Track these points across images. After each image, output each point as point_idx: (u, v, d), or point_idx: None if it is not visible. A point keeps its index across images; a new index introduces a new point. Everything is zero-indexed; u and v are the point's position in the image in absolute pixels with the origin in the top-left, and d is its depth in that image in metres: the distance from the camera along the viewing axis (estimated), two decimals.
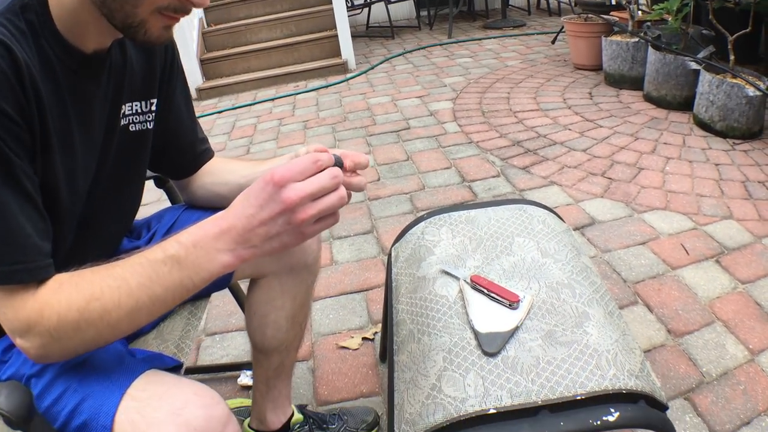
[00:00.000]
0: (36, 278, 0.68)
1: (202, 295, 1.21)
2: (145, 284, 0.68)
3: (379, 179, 2.87)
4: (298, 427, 1.40)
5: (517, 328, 0.95)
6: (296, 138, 3.65)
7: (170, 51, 1.03)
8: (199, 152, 1.13)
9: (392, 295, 1.20)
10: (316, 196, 0.67)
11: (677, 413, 1.42)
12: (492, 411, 0.83)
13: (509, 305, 0.99)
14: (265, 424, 1.36)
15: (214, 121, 4.33)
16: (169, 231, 1.13)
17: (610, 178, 2.65)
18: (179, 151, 1.11)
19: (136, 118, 0.95)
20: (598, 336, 0.94)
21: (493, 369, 0.89)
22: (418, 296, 1.10)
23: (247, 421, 1.40)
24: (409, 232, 1.33)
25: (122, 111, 0.92)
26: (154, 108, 0.99)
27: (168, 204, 1.34)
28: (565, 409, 0.84)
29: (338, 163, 0.77)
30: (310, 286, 1.29)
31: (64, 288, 0.69)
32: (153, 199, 2.32)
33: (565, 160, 2.87)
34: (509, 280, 1.08)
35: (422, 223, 1.32)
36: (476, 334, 0.95)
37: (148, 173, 1.18)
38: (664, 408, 0.89)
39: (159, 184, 1.32)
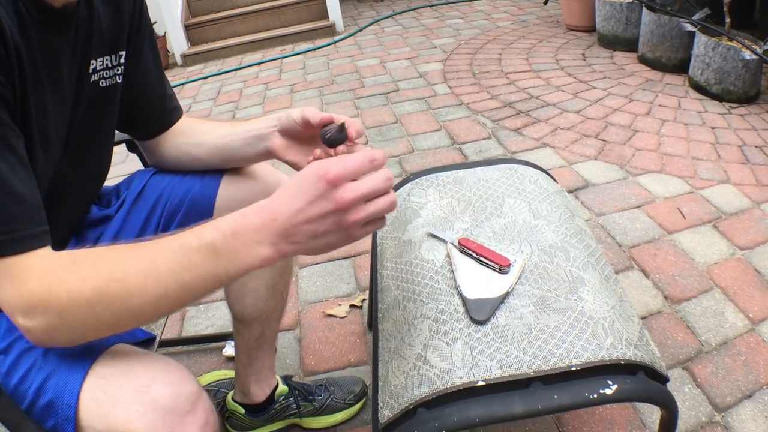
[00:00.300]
0: (32, 247, 0.62)
1: None
2: (175, 270, 0.62)
3: (367, 143, 2.79)
4: (283, 399, 1.35)
5: (507, 294, 0.89)
6: (283, 102, 3.55)
7: (138, 2, 0.96)
8: (168, 109, 1.06)
9: (377, 260, 1.14)
10: (369, 198, 0.63)
11: (675, 384, 1.38)
12: (481, 383, 0.77)
13: (499, 269, 0.93)
14: (248, 396, 1.32)
15: (200, 87, 4.21)
16: (139, 196, 1.06)
17: (604, 140, 2.58)
18: (148, 106, 1.03)
19: (105, 73, 0.90)
20: (593, 302, 0.88)
21: (482, 338, 0.83)
22: (403, 261, 1.03)
23: (231, 393, 1.36)
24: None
25: (92, 67, 0.87)
26: (122, 61, 0.93)
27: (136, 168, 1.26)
28: (559, 380, 0.78)
29: (339, 138, 0.77)
30: (283, 277, 1.23)
31: (78, 265, 0.62)
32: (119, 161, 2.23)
33: (558, 122, 2.80)
34: (499, 243, 1.01)
35: (408, 185, 1.25)
36: (464, 300, 0.89)
37: (121, 136, 1.12)
38: (664, 380, 0.83)
39: (131, 148, 1.24)
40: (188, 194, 1.05)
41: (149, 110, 1.04)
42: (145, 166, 1.28)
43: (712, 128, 2.62)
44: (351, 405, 1.40)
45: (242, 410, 1.34)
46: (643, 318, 1.57)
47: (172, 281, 0.62)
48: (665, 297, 1.64)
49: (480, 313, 0.86)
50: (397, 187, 1.27)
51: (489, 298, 0.88)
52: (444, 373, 0.80)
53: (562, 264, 0.96)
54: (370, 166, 0.63)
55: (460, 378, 0.78)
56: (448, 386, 0.78)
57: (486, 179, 1.20)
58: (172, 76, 4.58)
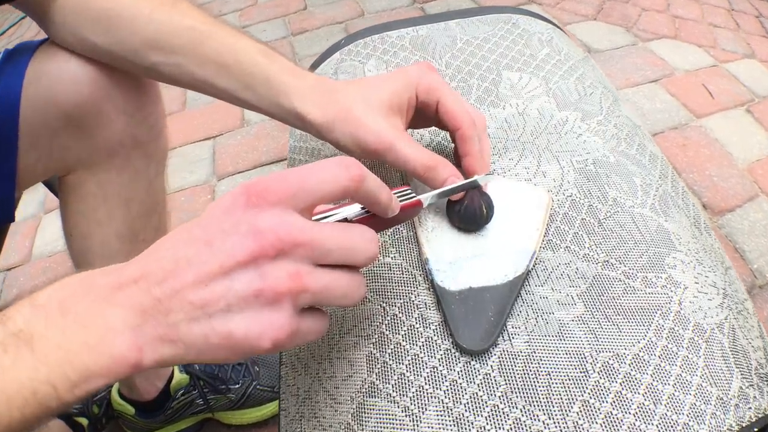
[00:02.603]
0: None
1: None
2: None
3: (305, 8, 2.20)
4: (183, 394, 0.92)
5: (524, 278, 0.42)
6: None
7: None
8: None
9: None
10: (331, 255, 0.33)
11: None
12: None
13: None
14: (136, 391, 0.93)
15: None
16: None
17: None
18: None
19: None
20: (694, 289, 0.43)
21: (480, 395, 0.37)
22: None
23: (116, 387, 0.97)
24: (316, 71, 0.75)
25: None
26: None
27: None
28: None
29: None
30: (154, 179, 0.75)
31: None
32: None
33: None
34: (501, 158, 0.53)
35: (336, 54, 0.74)
36: (440, 295, 0.42)
37: None
38: None
39: None
40: None
41: None
42: None
43: None
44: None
45: (132, 410, 0.95)
46: None
47: None
48: (704, 206, 1.20)
49: (471, 334, 0.39)
50: (318, 62, 0.76)
51: (487, 286, 0.42)
52: None
53: (623, 201, 0.49)
54: (345, 183, 0.33)
55: None
56: None
57: (468, 40, 0.69)
58: None
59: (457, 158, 0.48)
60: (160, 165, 0.76)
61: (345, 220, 0.36)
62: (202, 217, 0.33)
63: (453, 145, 0.49)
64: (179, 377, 0.94)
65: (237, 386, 0.96)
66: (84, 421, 0.92)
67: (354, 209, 0.37)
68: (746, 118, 1.47)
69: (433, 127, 0.56)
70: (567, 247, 0.45)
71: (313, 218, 0.35)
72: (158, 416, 0.94)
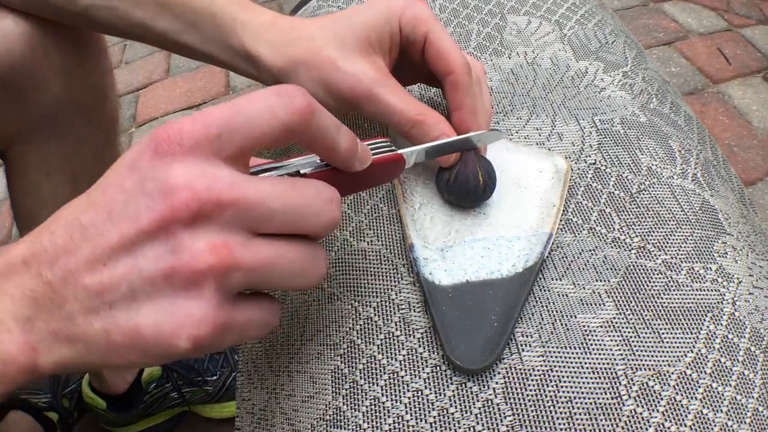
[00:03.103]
0: None
1: None
2: None
3: None
4: (156, 388, 0.84)
5: (538, 268, 0.33)
6: None
7: None
8: None
9: None
10: (273, 219, 0.24)
11: None
12: None
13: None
14: (105, 384, 0.86)
15: None
16: None
17: None
18: None
19: None
20: (748, 284, 0.33)
21: None
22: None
23: (86, 378, 0.89)
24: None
25: None
26: None
27: None
28: None
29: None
30: (102, 150, 0.66)
31: None
32: None
33: None
34: (506, 117, 0.43)
35: (313, 1, 0.63)
36: (428, 295, 0.32)
37: None
38: None
39: None
40: None
41: None
42: None
43: None
44: None
45: (103, 404, 0.87)
46: None
47: None
48: None
49: (468, 345, 0.30)
50: (294, 10, 0.65)
51: (489, 280, 0.32)
52: None
53: (660, 170, 0.39)
54: (285, 118, 0.24)
55: None
56: None
57: None
58: None
59: (449, 119, 0.38)
60: (110, 133, 0.66)
61: (297, 174, 0.27)
62: (105, 176, 0.25)
63: (447, 109, 0.39)
64: (151, 369, 0.85)
65: (214, 378, 0.88)
66: (54, 415, 0.84)
67: (309, 161, 0.27)
68: (764, 86, 1.37)
69: (423, 85, 0.45)
70: (591, 228, 0.35)
71: (252, 171, 0.26)
72: (131, 410, 0.87)
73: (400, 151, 0.31)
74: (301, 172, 0.27)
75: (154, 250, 0.23)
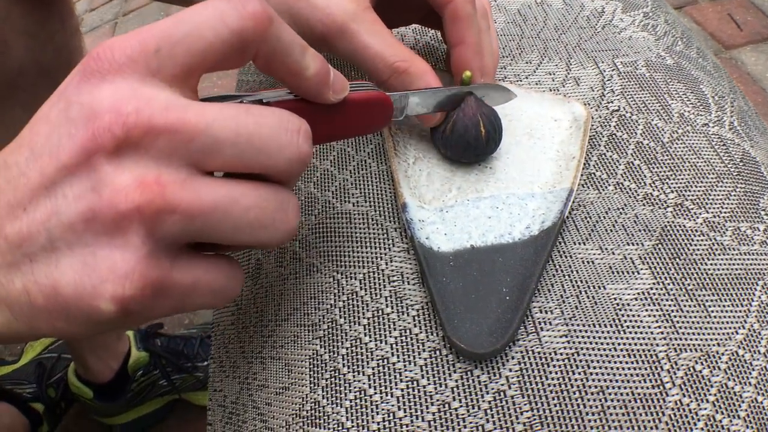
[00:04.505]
0: None
1: None
2: None
3: None
4: (143, 375, 0.80)
5: (558, 228, 0.27)
6: None
7: None
8: None
9: None
10: (222, 152, 0.19)
11: None
12: None
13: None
14: (89, 371, 0.80)
15: None
16: None
17: None
18: None
19: None
20: None
21: None
22: None
23: (72, 366, 0.85)
24: None
25: None
26: None
27: None
28: None
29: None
30: None
31: None
32: None
33: None
34: (514, 61, 0.37)
35: None
36: (422, 260, 0.27)
37: None
38: None
39: None
40: None
41: None
42: None
43: None
44: None
45: (90, 393, 0.82)
46: None
47: None
48: None
49: (474, 325, 0.24)
50: None
51: (498, 245, 0.27)
52: None
53: (693, 117, 0.33)
54: (242, 39, 0.19)
55: None
56: None
57: None
58: None
59: (449, 62, 0.32)
60: None
61: (260, 103, 0.21)
62: (37, 111, 0.21)
63: (446, 52, 0.33)
64: (137, 355, 0.80)
65: (205, 363, 0.83)
66: (40, 406, 0.79)
67: (275, 93, 0.22)
68: None
69: (418, 26, 0.40)
70: (618, 183, 0.30)
71: (203, 99, 0.20)
72: (119, 399, 0.82)
73: (387, 94, 0.25)
74: (264, 101, 0.21)
75: (74, 188, 0.18)
